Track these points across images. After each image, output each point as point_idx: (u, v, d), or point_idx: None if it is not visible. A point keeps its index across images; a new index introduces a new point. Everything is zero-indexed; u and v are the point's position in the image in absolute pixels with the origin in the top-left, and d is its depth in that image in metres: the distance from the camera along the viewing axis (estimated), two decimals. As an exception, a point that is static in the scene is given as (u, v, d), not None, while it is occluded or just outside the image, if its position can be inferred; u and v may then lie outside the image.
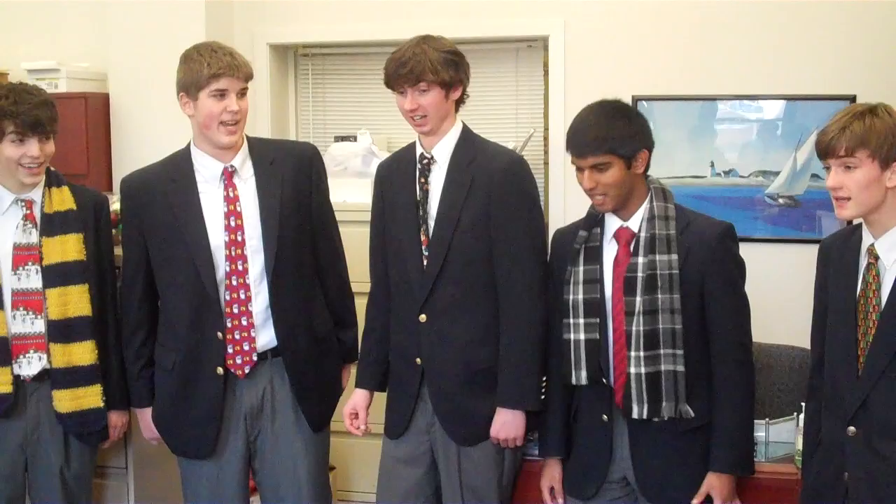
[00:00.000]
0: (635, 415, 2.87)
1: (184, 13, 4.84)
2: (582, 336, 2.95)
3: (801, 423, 2.94)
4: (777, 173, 4.64)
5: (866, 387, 2.57)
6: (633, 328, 2.86)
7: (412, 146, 3.29)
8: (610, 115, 2.92)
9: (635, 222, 2.94)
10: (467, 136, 3.22)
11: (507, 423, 3.10)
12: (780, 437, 3.15)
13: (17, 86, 3.31)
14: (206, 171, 3.26)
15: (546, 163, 5.01)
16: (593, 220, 3.03)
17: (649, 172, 3.00)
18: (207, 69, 3.15)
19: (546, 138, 5.03)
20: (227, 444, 3.27)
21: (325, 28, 5.14)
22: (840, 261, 2.72)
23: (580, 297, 2.96)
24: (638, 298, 2.86)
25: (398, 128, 3.26)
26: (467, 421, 3.15)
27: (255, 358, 3.22)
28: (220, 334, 3.20)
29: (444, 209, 3.14)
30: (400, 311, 3.22)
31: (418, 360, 3.16)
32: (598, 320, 2.94)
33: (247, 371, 3.22)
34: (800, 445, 2.96)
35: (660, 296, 2.85)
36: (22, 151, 3.19)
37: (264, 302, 3.22)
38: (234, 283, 3.20)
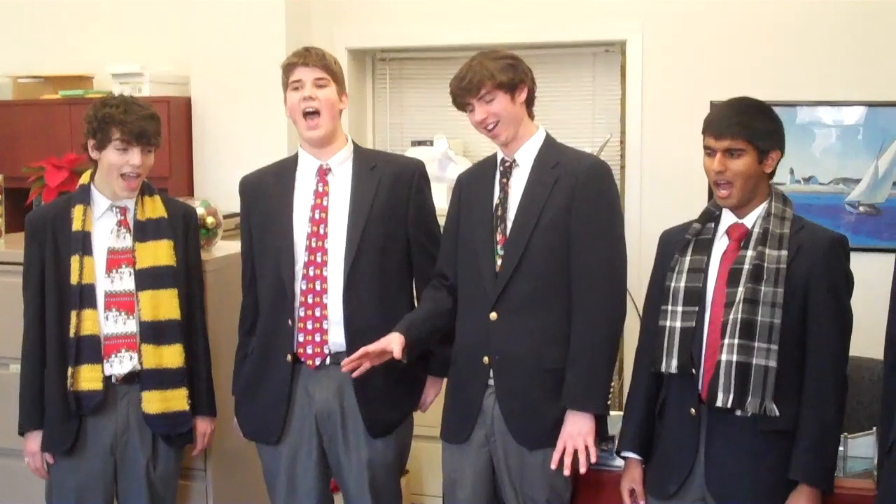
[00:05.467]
0: (719, 403, 2.82)
1: (264, 18, 4.91)
2: (678, 324, 2.93)
3: (881, 437, 2.90)
4: (858, 181, 4.59)
5: None
6: (731, 316, 2.83)
7: (494, 155, 3.32)
8: (755, 108, 2.94)
9: (751, 220, 2.93)
10: (551, 143, 3.25)
11: (574, 423, 3.05)
12: (859, 452, 3.10)
13: (127, 98, 3.42)
14: (306, 167, 3.37)
15: (623, 167, 5.00)
16: (709, 216, 3.03)
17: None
18: (284, 64, 3.32)
19: (623, 143, 5.02)
20: (297, 434, 3.32)
21: (402, 32, 5.19)
22: None
23: (682, 285, 2.94)
24: (740, 288, 2.84)
25: (475, 133, 3.28)
26: (534, 421, 3.12)
27: (326, 351, 3.27)
28: (290, 322, 3.27)
29: (525, 208, 3.16)
30: (468, 310, 3.23)
31: (486, 358, 3.17)
32: (696, 309, 2.92)
33: (317, 363, 3.27)
34: (879, 460, 2.92)
35: (763, 288, 2.82)
36: (125, 160, 3.28)
37: (339, 297, 3.27)
38: (312, 273, 3.27)
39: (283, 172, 3.40)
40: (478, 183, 3.30)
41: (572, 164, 3.18)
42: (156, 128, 3.35)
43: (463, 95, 3.16)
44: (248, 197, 3.45)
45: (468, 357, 3.21)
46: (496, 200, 3.21)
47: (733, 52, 4.72)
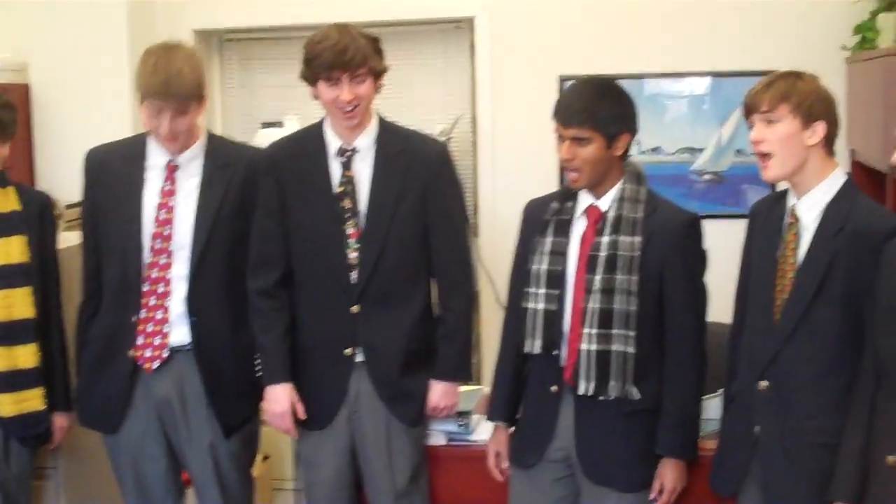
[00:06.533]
0: (581, 391, 2.89)
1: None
2: (541, 306, 2.96)
3: (730, 398, 2.97)
4: (703, 150, 4.69)
5: (778, 341, 2.68)
6: (590, 305, 2.88)
7: (312, 134, 3.22)
8: (600, 92, 2.92)
9: (606, 202, 2.95)
10: (387, 125, 3.22)
11: (446, 394, 3.21)
12: (709, 414, 3.16)
13: None
14: (154, 159, 3.23)
15: (474, 143, 5.01)
16: (567, 194, 3.04)
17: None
18: (143, 86, 3.07)
19: (474, 119, 5.03)
20: (139, 424, 3.23)
21: (249, 13, 5.12)
22: (766, 222, 2.82)
23: (544, 267, 2.97)
24: (597, 276, 2.88)
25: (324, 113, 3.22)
26: (411, 400, 3.19)
27: (164, 354, 3.18)
28: (133, 319, 3.18)
29: (379, 200, 3.13)
30: (321, 304, 3.18)
31: (348, 350, 3.15)
32: (558, 292, 2.95)
33: (155, 366, 3.18)
34: (729, 422, 2.99)
35: (618, 276, 2.86)
36: None
37: (183, 299, 3.18)
38: (155, 275, 3.17)
39: (133, 159, 3.24)
40: (306, 166, 3.18)
41: (419, 151, 3.19)
42: (11, 116, 3.26)
43: (339, 67, 3.01)
44: (93, 173, 3.28)
45: (327, 349, 3.18)
46: (337, 189, 3.14)
47: (581, 27, 4.79)
